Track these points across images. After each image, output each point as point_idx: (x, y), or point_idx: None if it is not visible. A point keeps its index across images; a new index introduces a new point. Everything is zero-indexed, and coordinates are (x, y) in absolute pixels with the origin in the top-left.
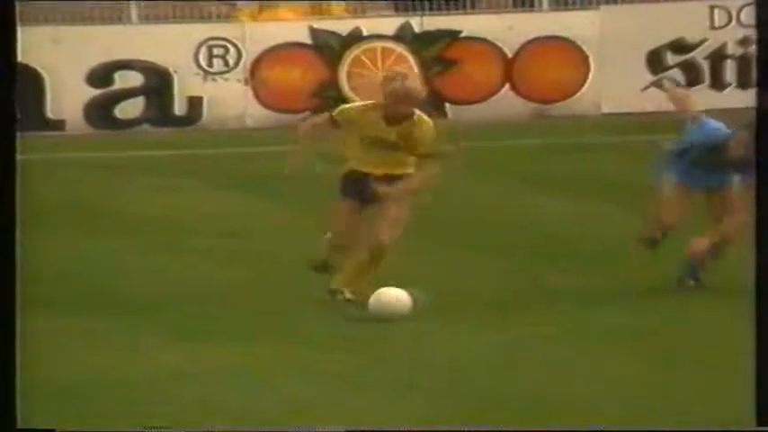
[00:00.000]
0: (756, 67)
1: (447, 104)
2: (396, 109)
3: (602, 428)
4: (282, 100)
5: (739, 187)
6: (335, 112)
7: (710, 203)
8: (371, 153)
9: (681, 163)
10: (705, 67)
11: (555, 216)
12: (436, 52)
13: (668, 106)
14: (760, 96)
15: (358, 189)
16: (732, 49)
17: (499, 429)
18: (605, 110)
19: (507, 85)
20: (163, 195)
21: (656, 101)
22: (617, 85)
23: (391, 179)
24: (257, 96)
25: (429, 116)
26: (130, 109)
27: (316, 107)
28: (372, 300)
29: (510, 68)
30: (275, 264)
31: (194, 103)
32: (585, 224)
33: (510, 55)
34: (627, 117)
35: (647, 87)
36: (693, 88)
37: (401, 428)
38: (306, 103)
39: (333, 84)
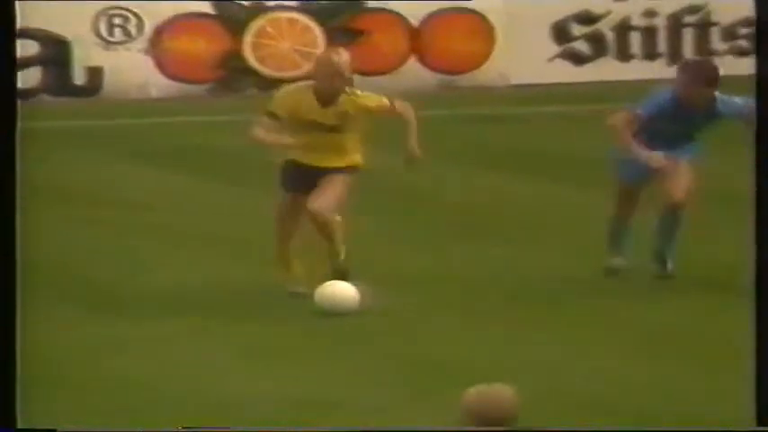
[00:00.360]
0: (756, 67)
1: (354, 76)
2: (330, 85)
3: (601, 428)
4: (186, 70)
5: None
6: (270, 106)
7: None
8: (311, 139)
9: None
10: (611, 38)
11: (466, 188)
12: (342, 23)
13: (574, 77)
14: (760, 96)
15: (301, 182)
16: (636, 20)
17: (495, 429)
18: (513, 81)
19: (413, 57)
20: (66, 167)
21: (563, 72)
22: (524, 57)
23: (335, 172)
24: (159, 66)
25: None
26: (28, 78)
27: (220, 77)
28: (317, 294)
29: (416, 39)
30: (183, 235)
31: (94, 72)
32: (496, 196)
33: (416, 25)
34: (535, 88)
35: (552, 58)
36: (599, 59)
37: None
38: (210, 74)
39: (237, 54)
